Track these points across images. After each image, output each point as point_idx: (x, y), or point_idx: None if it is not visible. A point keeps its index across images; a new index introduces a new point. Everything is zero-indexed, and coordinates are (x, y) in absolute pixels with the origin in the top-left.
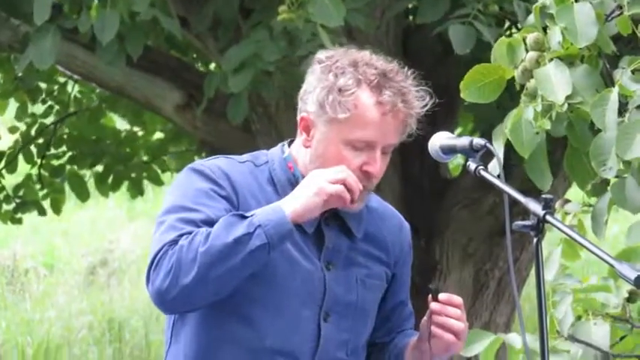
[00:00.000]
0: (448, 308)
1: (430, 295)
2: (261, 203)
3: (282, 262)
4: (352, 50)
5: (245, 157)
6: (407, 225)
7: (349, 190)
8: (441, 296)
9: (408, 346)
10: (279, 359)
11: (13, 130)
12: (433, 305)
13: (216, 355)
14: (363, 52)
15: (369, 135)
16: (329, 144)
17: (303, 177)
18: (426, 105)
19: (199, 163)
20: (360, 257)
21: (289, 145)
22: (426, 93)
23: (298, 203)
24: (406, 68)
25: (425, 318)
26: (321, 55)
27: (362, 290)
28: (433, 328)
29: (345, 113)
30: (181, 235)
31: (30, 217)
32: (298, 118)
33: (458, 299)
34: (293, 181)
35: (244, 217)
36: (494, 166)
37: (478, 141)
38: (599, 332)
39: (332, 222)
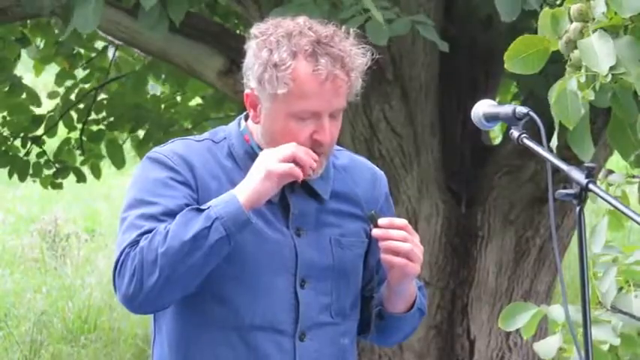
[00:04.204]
0: (391, 232)
1: (371, 224)
2: (222, 180)
3: (249, 237)
4: (286, 20)
5: (204, 135)
6: (381, 176)
7: (300, 165)
8: (381, 221)
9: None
10: (261, 334)
11: (52, 95)
12: (374, 232)
13: (197, 339)
14: (297, 20)
15: (311, 105)
16: (275, 118)
17: (260, 148)
18: (367, 62)
19: (156, 150)
20: (331, 217)
21: (246, 118)
22: (366, 50)
23: (250, 190)
24: (344, 28)
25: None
26: (255, 30)
27: (338, 250)
28: (382, 256)
29: (284, 88)
30: (142, 234)
31: (71, 182)
32: (244, 94)
33: (400, 221)
34: (251, 153)
35: (201, 210)
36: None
37: (521, 109)
38: None
39: (297, 188)
